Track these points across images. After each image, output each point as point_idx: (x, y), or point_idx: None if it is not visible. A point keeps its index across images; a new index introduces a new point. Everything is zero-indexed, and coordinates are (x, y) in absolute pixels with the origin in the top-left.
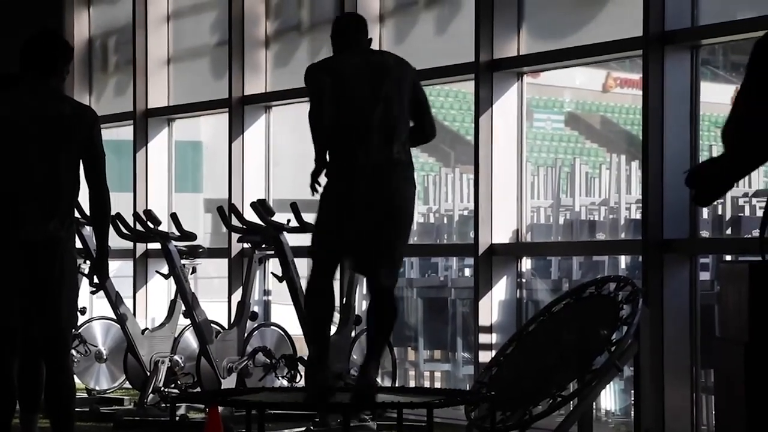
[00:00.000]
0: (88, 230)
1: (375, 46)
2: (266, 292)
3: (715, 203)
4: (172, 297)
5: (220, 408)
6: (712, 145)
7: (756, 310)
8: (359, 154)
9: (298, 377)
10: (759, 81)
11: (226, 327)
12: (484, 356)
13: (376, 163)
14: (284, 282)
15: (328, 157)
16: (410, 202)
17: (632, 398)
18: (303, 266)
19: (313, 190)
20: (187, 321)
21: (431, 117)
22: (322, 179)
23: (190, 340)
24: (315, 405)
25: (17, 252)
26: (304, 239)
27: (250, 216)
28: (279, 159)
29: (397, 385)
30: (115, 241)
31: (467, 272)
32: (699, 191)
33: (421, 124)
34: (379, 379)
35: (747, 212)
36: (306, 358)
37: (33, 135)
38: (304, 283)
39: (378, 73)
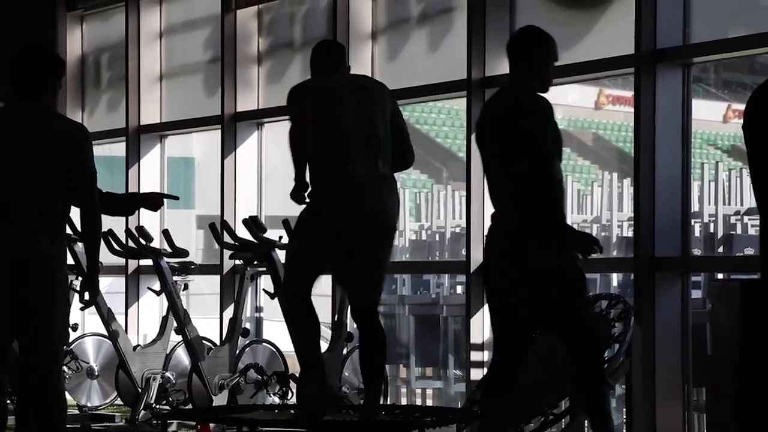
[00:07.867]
0: (80, 246)
1: (367, 63)
2: (258, 309)
3: (707, 221)
4: (164, 313)
5: (211, 425)
6: (703, 163)
7: (747, 328)
8: (347, 168)
9: (290, 394)
10: None
11: (218, 344)
12: (476, 374)
13: (363, 176)
14: (276, 299)
15: (308, 177)
16: (396, 218)
17: (624, 416)
18: None
19: (302, 202)
20: (179, 337)
21: (410, 143)
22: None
23: (182, 356)
24: (308, 422)
25: (7, 269)
26: None
27: (242, 232)
28: (271, 175)
29: (388, 402)
30: (106, 257)
31: (459, 289)
32: None
33: (401, 150)
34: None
35: (739, 230)
36: (298, 375)
37: (19, 152)
38: None
39: (360, 92)
